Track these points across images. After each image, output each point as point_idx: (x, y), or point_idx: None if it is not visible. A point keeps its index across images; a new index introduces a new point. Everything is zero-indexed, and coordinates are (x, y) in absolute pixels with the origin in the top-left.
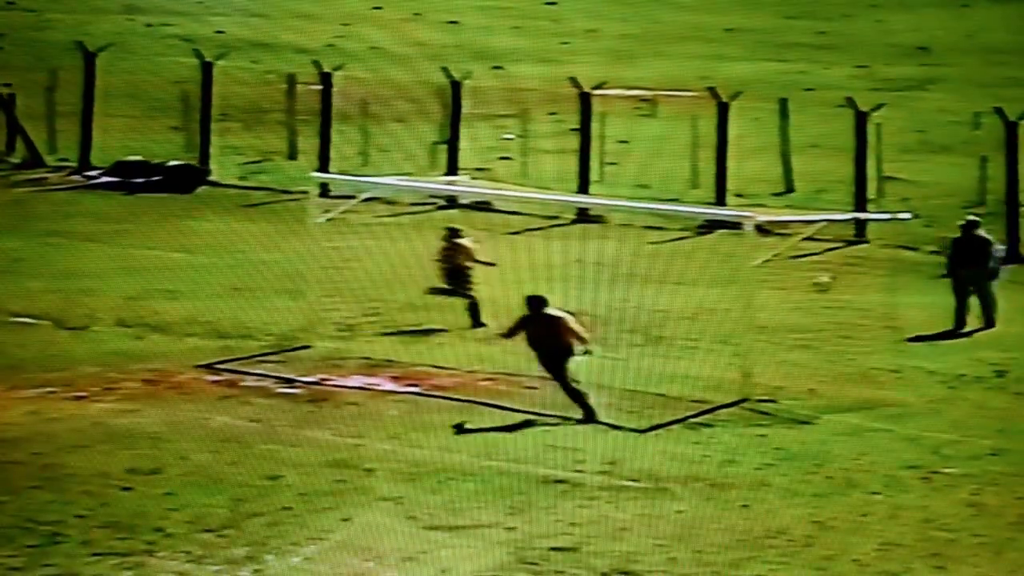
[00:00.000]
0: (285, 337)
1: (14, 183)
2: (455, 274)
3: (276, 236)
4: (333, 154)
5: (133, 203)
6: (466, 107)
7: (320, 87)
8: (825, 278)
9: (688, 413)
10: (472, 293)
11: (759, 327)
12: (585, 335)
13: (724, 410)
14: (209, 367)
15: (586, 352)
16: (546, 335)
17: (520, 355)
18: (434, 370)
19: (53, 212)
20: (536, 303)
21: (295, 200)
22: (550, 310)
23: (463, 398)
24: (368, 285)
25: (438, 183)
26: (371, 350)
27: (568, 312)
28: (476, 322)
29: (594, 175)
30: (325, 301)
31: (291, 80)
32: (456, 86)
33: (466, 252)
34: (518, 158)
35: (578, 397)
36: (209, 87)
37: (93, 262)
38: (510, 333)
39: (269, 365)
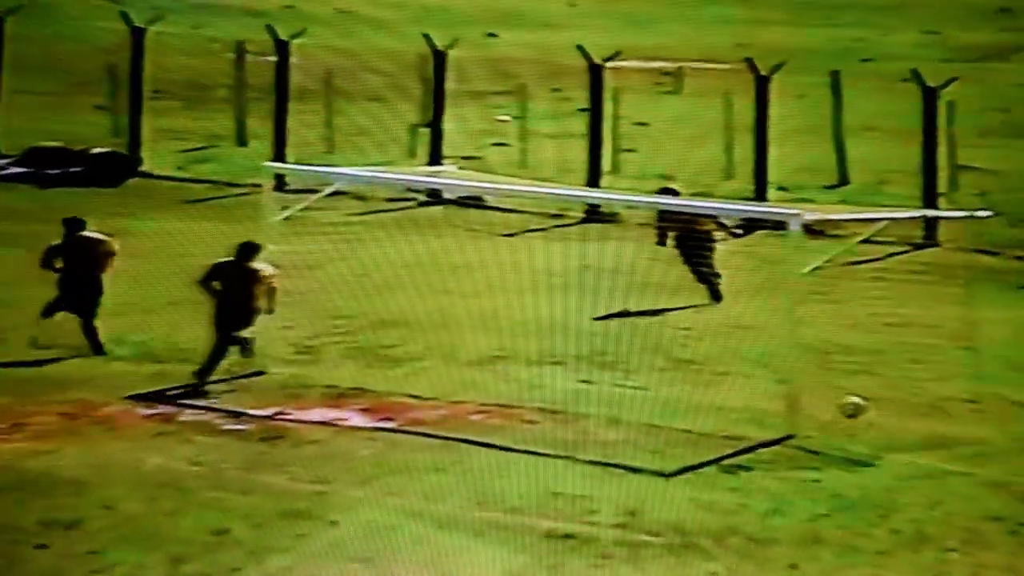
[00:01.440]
0: (232, 361)
1: None
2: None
3: (221, 238)
4: (291, 140)
5: (48, 198)
6: (452, 83)
7: (275, 58)
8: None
9: (722, 453)
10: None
11: (807, 348)
12: (272, 300)
13: (766, 449)
14: (141, 398)
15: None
16: (240, 289)
17: (520, 384)
18: (413, 401)
19: None
20: (245, 251)
21: (245, 195)
22: (255, 264)
23: (448, 435)
24: (333, 297)
25: (419, 174)
26: (336, 376)
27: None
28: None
29: (606, 164)
30: (281, 317)
31: (240, 49)
32: (440, 57)
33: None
34: (515, 144)
35: (217, 360)
36: (140, 58)
37: None
38: (205, 279)
39: (213, 395)
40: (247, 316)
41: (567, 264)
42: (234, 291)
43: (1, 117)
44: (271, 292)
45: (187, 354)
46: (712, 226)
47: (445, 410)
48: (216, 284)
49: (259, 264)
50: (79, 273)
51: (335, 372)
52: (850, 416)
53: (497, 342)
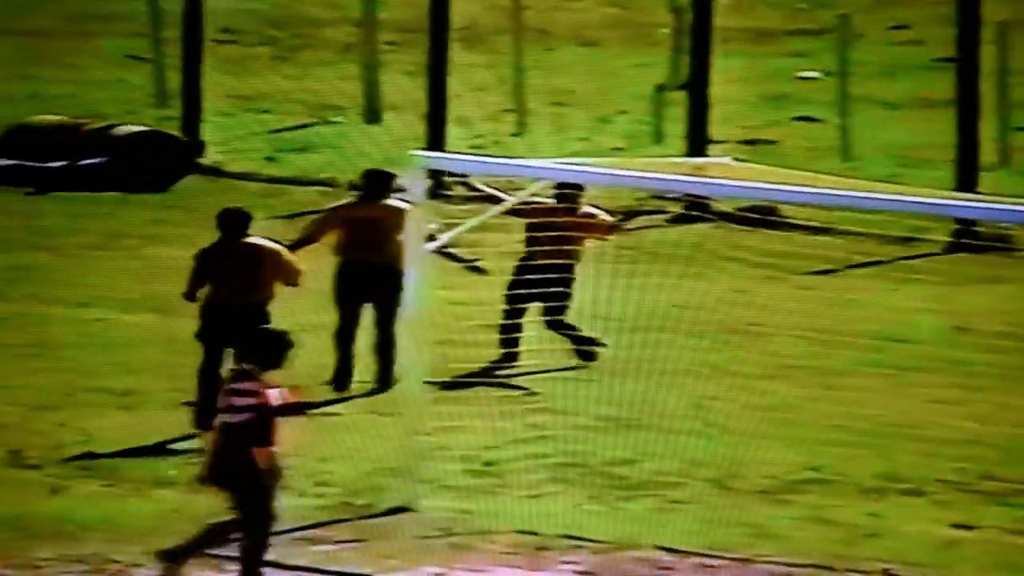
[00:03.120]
0: (353, 489)
1: None
2: None
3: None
4: (454, 112)
5: (44, 210)
6: (722, 15)
7: None
8: None
9: None
10: None
11: None
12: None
13: None
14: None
15: None
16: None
17: (847, 530)
18: (664, 557)
19: None
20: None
21: None
22: (254, 238)
23: None
24: (526, 379)
25: (670, 172)
26: (534, 515)
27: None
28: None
29: (988, 153)
30: (440, 414)
31: None
32: None
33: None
34: (830, 118)
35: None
36: None
37: None
38: (193, 284)
39: (327, 548)
40: (254, 316)
41: (926, 325)
42: (231, 284)
43: None
44: (287, 272)
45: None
46: None
47: (718, 574)
48: (205, 289)
49: (257, 238)
50: (237, 302)
51: (532, 507)
52: None
53: (806, 457)
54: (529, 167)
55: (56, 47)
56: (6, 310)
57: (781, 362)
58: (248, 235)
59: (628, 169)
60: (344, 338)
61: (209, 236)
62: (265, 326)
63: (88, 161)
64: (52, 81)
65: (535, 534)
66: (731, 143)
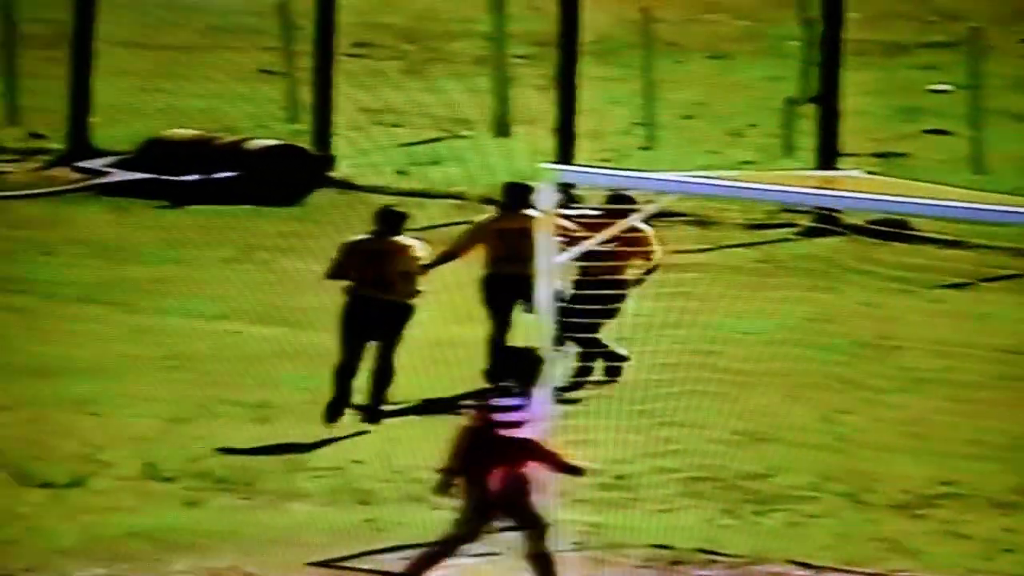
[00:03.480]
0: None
1: None
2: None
3: (469, 292)
4: (586, 123)
5: (181, 223)
6: (853, 27)
7: None
8: None
9: None
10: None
11: None
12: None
13: None
14: (335, 567)
15: None
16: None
17: (980, 544)
18: (799, 572)
19: (14, 243)
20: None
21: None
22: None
23: None
24: (659, 392)
25: (802, 185)
26: (669, 528)
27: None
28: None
29: None
30: (572, 428)
31: None
32: None
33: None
34: (962, 130)
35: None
36: None
37: (93, 347)
38: (337, 270)
39: (462, 562)
40: (396, 314)
41: None
42: (373, 280)
43: (100, 91)
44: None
45: (412, 486)
46: None
47: None
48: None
49: (406, 239)
50: (379, 298)
51: (666, 520)
52: None
53: (939, 471)
54: (657, 180)
55: (189, 61)
56: (142, 322)
57: (913, 375)
58: (400, 234)
59: (758, 182)
60: (498, 345)
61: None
62: (512, 345)
63: (222, 175)
64: (186, 95)
65: (669, 548)
66: (862, 156)
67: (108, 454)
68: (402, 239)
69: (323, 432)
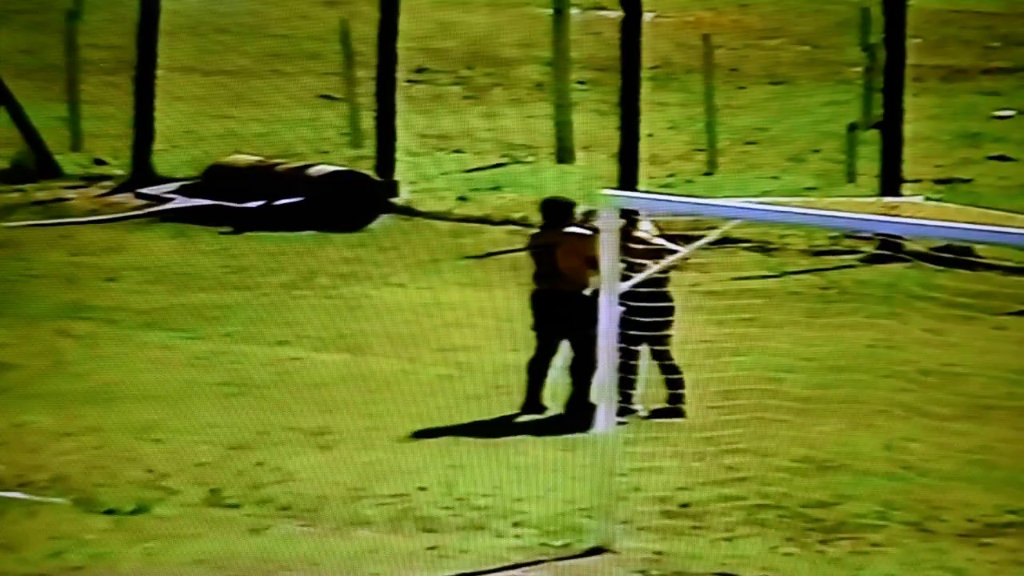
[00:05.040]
0: (550, 530)
1: None
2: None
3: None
4: (648, 149)
5: (244, 249)
6: (915, 53)
7: (620, 14)
8: None
9: None
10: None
11: None
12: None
13: None
14: None
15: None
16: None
17: None
18: None
19: (78, 270)
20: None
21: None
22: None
23: None
24: (722, 420)
25: (863, 211)
26: (733, 557)
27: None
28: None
29: None
30: (636, 456)
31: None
32: (897, 5)
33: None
34: None
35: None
36: (393, 13)
37: (156, 373)
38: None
39: None
40: (579, 305)
41: None
42: (547, 273)
43: (161, 117)
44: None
45: (471, 511)
46: None
47: None
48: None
49: (575, 228)
50: (557, 291)
51: (730, 549)
52: None
53: (1005, 499)
54: (720, 207)
55: (250, 87)
56: (204, 349)
57: (976, 403)
58: (569, 225)
59: (821, 208)
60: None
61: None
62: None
63: (285, 201)
64: (246, 120)
65: None
66: (925, 182)
67: (172, 480)
68: (571, 230)
69: (387, 459)
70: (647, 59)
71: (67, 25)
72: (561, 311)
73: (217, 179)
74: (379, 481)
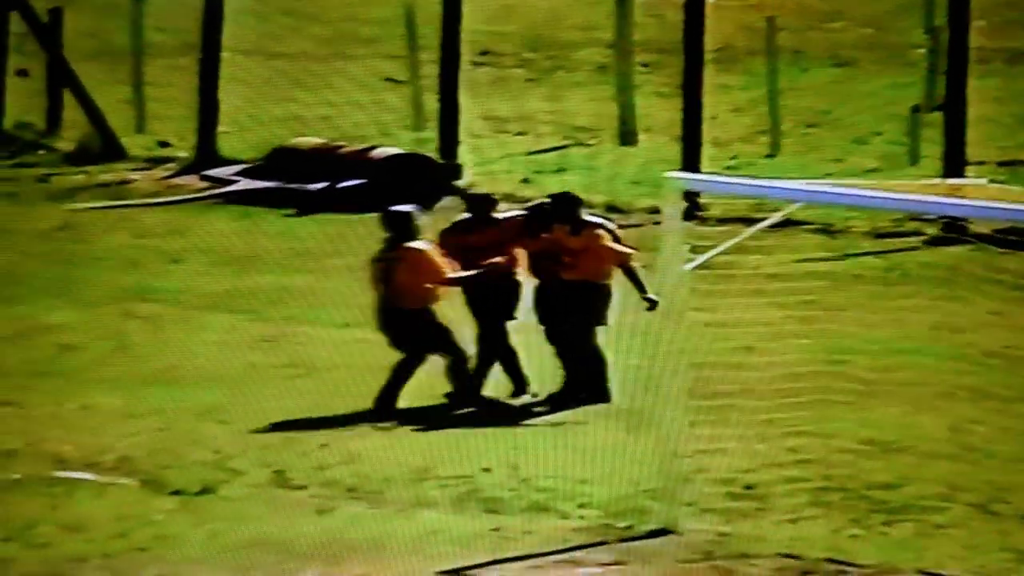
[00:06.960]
0: (614, 511)
1: (63, 192)
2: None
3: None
4: (711, 131)
5: (308, 232)
6: (977, 33)
7: None
8: None
9: None
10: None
11: None
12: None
13: None
14: None
15: None
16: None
17: None
18: None
19: (142, 252)
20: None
21: (632, 226)
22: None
23: None
24: (785, 403)
25: (926, 194)
26: (798, 537)
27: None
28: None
29: None
30: (702, 437)
31: None
32: None
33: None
34: None
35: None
36: None
37: (220, 355)
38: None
39: (590, 571)
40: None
41: None
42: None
43: (224, 101)
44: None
45: (540, 494)
46: None
47: None
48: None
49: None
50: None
51: (794, 530)
52: None
53: None
54: (783, 189)
55: (314, 70)
56: (269, 331)
57: None
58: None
59: (884, 190)
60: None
61: None
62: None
63: (348, 183)
64: (310, 103)
65: (798, 558)
66: (988, 164)
67: (237, 462)
68: (413, 245)
69: (451, 440)
70: (710, 41)
71: (132, 8)
72: (406, 328)
73: (281, 161)
74: (443, 462)
